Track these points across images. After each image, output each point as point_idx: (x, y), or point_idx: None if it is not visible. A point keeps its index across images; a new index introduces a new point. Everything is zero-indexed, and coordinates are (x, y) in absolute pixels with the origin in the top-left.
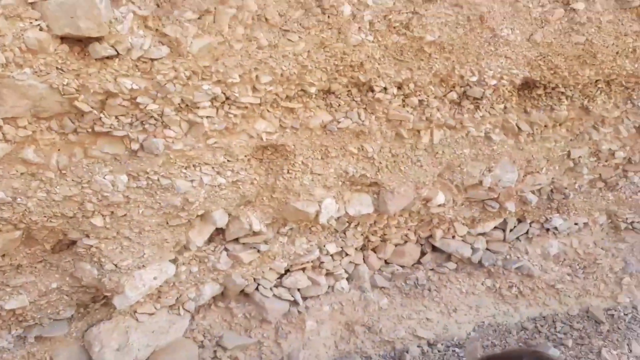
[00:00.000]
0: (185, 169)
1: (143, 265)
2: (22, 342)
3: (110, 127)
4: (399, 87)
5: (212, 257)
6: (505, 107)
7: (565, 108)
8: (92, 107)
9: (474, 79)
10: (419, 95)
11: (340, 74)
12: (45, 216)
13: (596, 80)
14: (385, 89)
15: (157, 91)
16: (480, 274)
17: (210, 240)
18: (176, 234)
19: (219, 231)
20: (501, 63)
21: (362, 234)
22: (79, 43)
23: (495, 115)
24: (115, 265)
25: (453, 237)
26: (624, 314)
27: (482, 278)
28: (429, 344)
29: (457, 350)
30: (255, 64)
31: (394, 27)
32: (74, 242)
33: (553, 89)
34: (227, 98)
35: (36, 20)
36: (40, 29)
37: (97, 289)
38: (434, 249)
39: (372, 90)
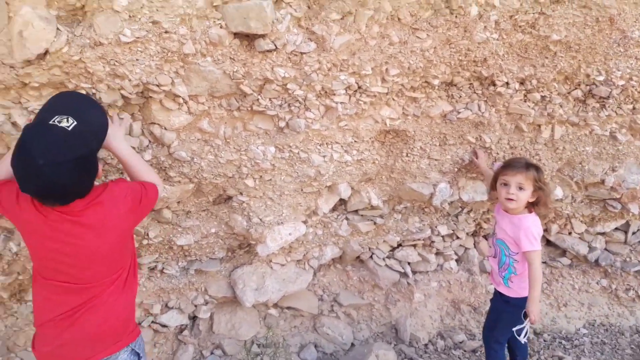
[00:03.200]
0: (320, 145)
1: (281, 222)
2: (185, 272)
3: (264, 107)
4: (521, 83)
5: (334, 223)
6: (634, 108)
7: None
8: (252, 90)
9: (601, 78)
10: (542, 91)
11: (464, 68)
12: (212, 174)
13: None
14: (507, 83)
15: (303, 79)
16: (596, 273)
17: (334, 208)
18: (308, 200)
19: (342, 202)
20: (631, 64)
21: (474, 220)
22: (247, 38)
23: (622, 115)
24: (260, 220)
25: (569, 233)
26: None
27: (598, 277)
28: (535, 333)
29: (563, 342)
30: (386, 58)
31: (520, 26)
32: (230, 197)
33: None
34: (359, 87)
35: (218, 19)
36: (221, 27)
37: (244, 237)
38: (548, 242)
39: (494, 84)
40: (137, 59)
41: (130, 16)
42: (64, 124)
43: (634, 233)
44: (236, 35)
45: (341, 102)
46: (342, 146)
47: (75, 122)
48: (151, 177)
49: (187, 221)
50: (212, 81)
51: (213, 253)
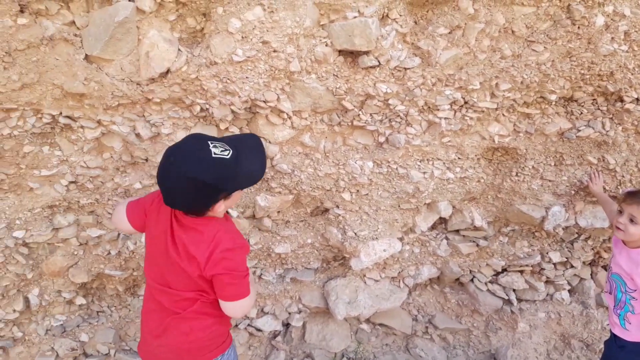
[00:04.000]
0: (420, 161)
1: (376, 238)
2: (281, 280)
3: (365, 122)
4: None
5: (433, 242)
6: None
7: None
8: (354, 106)
9: None
10: None
11: (586, 82)
12: (311, 186)
13: None
14: (637, 99)
15: (406, 94)
16: None
17: (433, 227)
18: (405, 216)
19: (442, 220)
20: None
21: (592, 248)
22: (351, 55)
23: None
24: (355, 234)
25: None
26: None
27: None
28: None
29: None
30: (496, 73)
31: None
32: (327, 210)
33: None
34: (466, 102)
35: (324, 38)
36: (326, 45)
37: (339, 250)
38: None
39: (622, 100)
40: (247, 77)
41: (242, 37)
42: (215, 149)
43: None
44: (340, 52)
45: (445, 118)
46: (444, 163)
47: (225, 157)
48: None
49: (285, 230)
50: (316, 97)
51: (308, 263)
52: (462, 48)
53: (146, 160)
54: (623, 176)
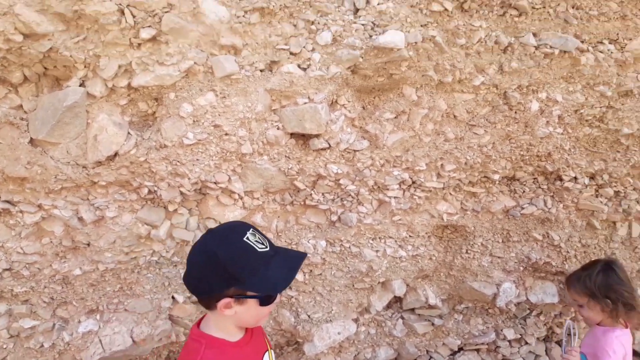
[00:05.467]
0: (372, 240)
1: (330, 320)
2: None
3: (317, 202)
4: (592, 177)
5: (388, 322)
6: None
7: None
8: (306, 186)
9: None
10: (615, 186)
11: (526, 162)
12: None
13: None
14: (575, 178)
15: (356, 175)
16: None
17: (388, 306)
18: (360, 296)
19: (397, 299)
20: None
21: (544, 324)
22: (302, 137)
23: None
24: (309, 316)
25: None
26: None
27: None
28: None
29: None
30: (441, 154)
31: (586, 120)
32: None
33: None
34: (414, 182)
35: (275, 122)
36: (278, 128)
37: (292, 334)
38: (635, 353)
39: (561, 179)
40: (197, 159)
41: (194, 121)
42: (251, 237)
43: None
44: (292, 135)
45: (394, 197)
46: (396, 241)
47: (256, 248)
48: None
49: None
50: (268, 178)
51: None
52: (408, 131)
53: (88, 244)
54: (568, 252)
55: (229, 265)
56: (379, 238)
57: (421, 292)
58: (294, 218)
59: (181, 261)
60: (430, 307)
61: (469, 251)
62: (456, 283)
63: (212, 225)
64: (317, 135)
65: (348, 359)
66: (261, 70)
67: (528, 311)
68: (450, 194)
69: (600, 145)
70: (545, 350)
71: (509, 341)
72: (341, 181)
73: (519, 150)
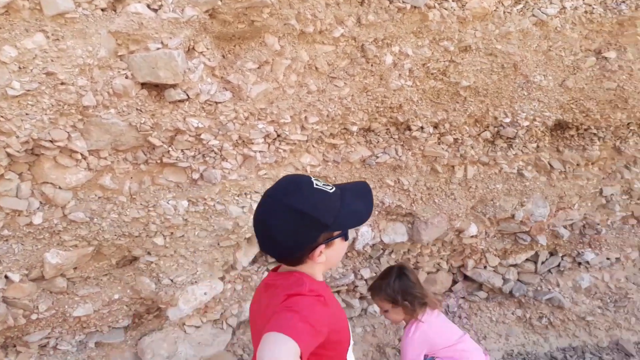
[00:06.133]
0: (238, 196)
1: (195, 282)
2: (83, 347)
3: (176, 159)
4: (435, 127)
5: (255, 276)
6: (537, 146)
7: (597, 148)
8: (162, 142)
9: (507, 120)
10: (454, 134)
11: (380, 114)
12: (115, 235)
13: (628, 123)
14: (422, 128)
15: (219, 129)
16: (511, 304)
17: (254, 261)
18: (225, 254)
19: (262, 253)
20: (534, 106)
21: (395, 261)
22: (156, 88)
23: (528, 154)
24: (172, 280)
25: (485, 267)
26: None
27: (513, 308)
28: None
29: None
30: (304, 107)
31: (432, 74)
32: (136, 258)
33: (585, 130)
34: (279, 135)
35: (123, 69)
36: (126, 77)
37: (153, 301)
38: (466, 277)
39: (410, 129)
40: (26, 114)
41: (20, 67)
42: (317, 182)
43: (542, 263)
44: (144, 85)
45: (260, 151)
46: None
47: (328, 190)
48: None
49: (85, 288)
50: (116, 134)
51: (117, 322)
52: (272, 83)
53: None
54: (415, 194)
55: (315, 214)
56: (245, 194)
57: None
58: (150, 178)
59: (13, 234)
60: None
61: None
62: None
63: (50, 191)
64: (173, 86)
65: (214, 317)
66: (102, 10)
67: (382, 251)
68: (313, 146)
69: (443, 97)
70: None
71: (366, 280)
72: (202, 136)
73: (375, 102)
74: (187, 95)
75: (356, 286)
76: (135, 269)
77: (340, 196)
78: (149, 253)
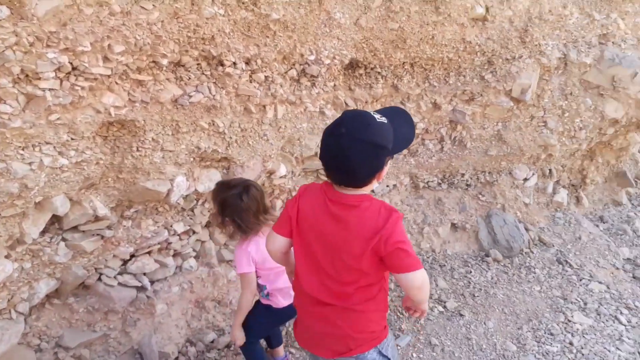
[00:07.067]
0: (23, 149)
1: None
2: None
3: None
4: (247, 63)
5: (48, 249)
6: (334, 85)
7: (381, 86)
8: None
9: (312, 57)
10: (265, 71)
11: (192, 46)
12: None
13: (403, 63)
14: (234, 63)
15: None
16: None
17: (44, 231)
18: (9, 226)
19: (54, 220)
20: (334, 44)
21: (208, 211)
22: None
23: (328, 92)
24: None
25: None
26: (426, 257)
27: None
28: None
29: None
30: (107, 32)
31: (243, 3)
32: None
33: (372, 69)
34: (75, 68)
35: None
36: None
37: None
38: None
39: (222, 65)
40: None
41: None
42: (376, 115)
43: None
44: None
45: (50, 89)
46: (54, 147)
47: (385, 122)
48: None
49: None
50: None
51: None
52: None
53: None
54: (231, 137)
55: (385, 144)
56: (33, 146)
57: (88, 204)
58: None
59: None
60: (98, 219)
61: (139, 148)
62: (126, 186)
63: None
64: None
65: (0, 307)
66: None
67: (195, 201)
68: (117, 82)
69: (254, 30)
70: (209, 235)
71: (179, 235)
72: None
73: (187, 32)
74: None
75: (170, 243)
76: None
77: (390, 123)
78: None
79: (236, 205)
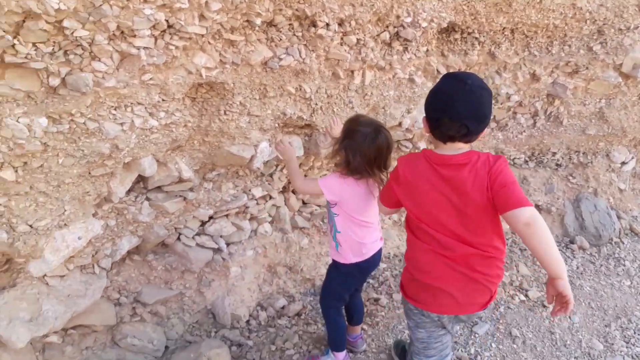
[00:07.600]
0: (115, 109)
1: (65, 224)
2: None
3: (26, 57)
4: (340, 24)
5: (132, 208)
6: (427, 50)
7: (477, 53)
8: (3, 32)
9: (409, 20)
10: (357, 33)
11: (287, 4)
12: None
13: (504, 28)
14: (327, 25)
15: (90, 13)
16: None
17: (130, 190)
18: (98, 185)
19: (140, 180)
20: (433, 5)
21: (286, 177)
22: None
23: (420, 58)
24: (31, 226)
25: None
26: (505, 239)
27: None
28: None
29: (370, 281)
30: None
31: None
32: None
33: (469, 34)
34: (170, 26)
35: None
36: None
37: (2, 255)
38: None
39: (315, 26)
40: None
41: None
42: None
43: None
44: None
45: (145, 47)
46: (146, 108)
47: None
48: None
49: None
50: None
51: None
52: None
53: None
54: (316, 104)
55: (490, 105)
56: (125, 106)
57: (173, 166)
58: None
59: None
60: (181, 181)
61: (227, 112)
62: (211, 150)
63: None
64: None
65: (84, 262)
66: None
67: (275, 167)
68: (209, 42)
69: None
70: (284, 200)
71: (257, 199)
72: (65, 23)
73: None
74: None
75: (247, 207)
76: None
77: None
78: None
79: (358, 144)
